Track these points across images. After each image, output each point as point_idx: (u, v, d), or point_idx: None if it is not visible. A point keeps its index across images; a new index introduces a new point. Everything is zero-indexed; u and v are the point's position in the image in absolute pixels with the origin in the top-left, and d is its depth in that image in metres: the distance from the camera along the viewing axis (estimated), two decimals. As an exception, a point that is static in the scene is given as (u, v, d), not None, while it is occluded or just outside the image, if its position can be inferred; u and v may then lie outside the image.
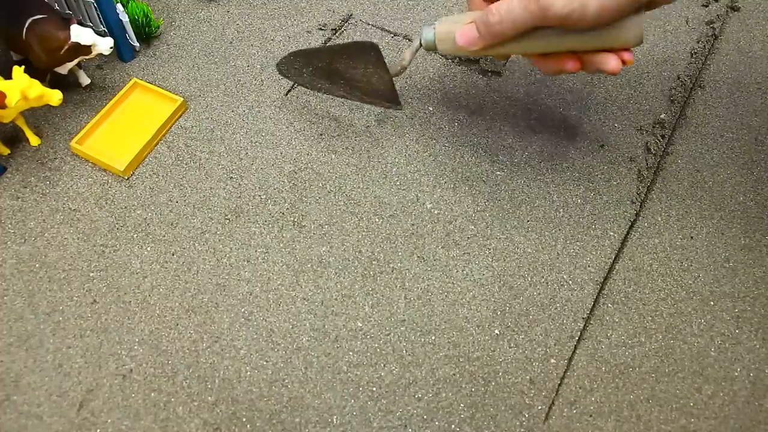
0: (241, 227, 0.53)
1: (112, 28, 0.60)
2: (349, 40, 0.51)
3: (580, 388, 0.46)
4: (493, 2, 0.44)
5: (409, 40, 0.66)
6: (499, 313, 0.49)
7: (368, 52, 0.51)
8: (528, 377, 0.46)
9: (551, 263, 0.52)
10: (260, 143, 0.58)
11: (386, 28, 0.67)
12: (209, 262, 0.52)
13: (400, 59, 0.51)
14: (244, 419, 0.45)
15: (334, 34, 0.67)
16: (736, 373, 0.47)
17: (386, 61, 0.52)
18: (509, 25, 0.40)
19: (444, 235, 0.53)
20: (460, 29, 0.44)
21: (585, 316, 0.49)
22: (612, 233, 0.53)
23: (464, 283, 0.51)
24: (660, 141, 0.59)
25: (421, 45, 0.48)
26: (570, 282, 0.51)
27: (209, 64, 0.64)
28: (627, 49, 0.41)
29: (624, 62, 0.42)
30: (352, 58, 0.53)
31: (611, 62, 0.42)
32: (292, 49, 0.65)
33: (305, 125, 0.60)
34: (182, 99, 0.60)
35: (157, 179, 0.56)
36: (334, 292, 0.50)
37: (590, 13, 0.37)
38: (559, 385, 0.46)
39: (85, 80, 0.62)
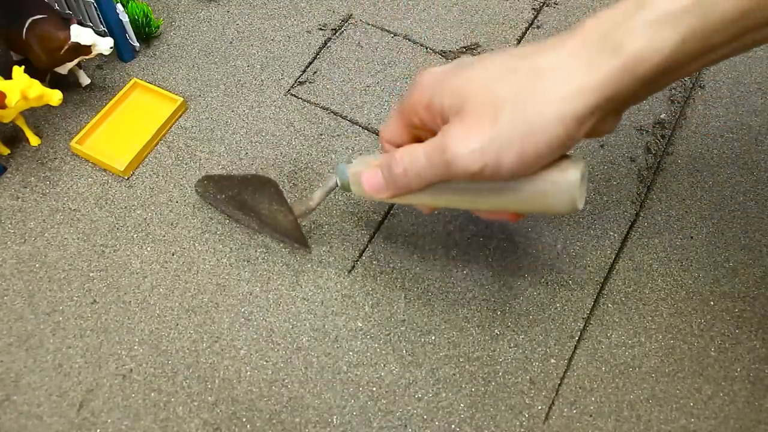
0: (241, 227, 0.53)
1: (112, 28, 0.60)
2: (250, 173, 0.49)
3: (580, 388, 0.46)
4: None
5: (410, 40, 0.66)
6: (499, 313, 0.49)
7: (268, 188, 0.47)
8: (528, 377, 0.46)
9: (551, 263, 0.52)
10: (260, 143, 0.59)
11: (386, 28, 0.67)
12: (209, 262, 0.52)
13: (308, 199, 0.46)
14: (244, 419, 0.45)
15: (334, 34, 0.67)
16: (736, 373, 0.47)
17: (294, 198, 0.49)
18: (414, 177, 0.35)
19: (444, 235, 0.53)
20: (367, 172, 0.39)
21: (585, 316, 0.49)
22: (612, 233, 0.53)
23: (464, 283, 0.51)
24: (660, 141, 0.59)
25: (337, 185, 0.44)
26: (570, 282, 0.51)
27: (209, 64, 0.64)
28: None
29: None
30: (257, 191, 0.49)
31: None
32: (293, 49, 0.65)
33: (305, 125, 0.60)
34: (182, 99, 0.60)
35: (157, 179, 0.56)
36: (334, 292, 0.50)
37: (507, 166, 0.31)
38: (559, 385, 0.46)
39: (85, 80, 0.62)
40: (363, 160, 0.41)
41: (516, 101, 0.31)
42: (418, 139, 0.40)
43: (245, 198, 0.50)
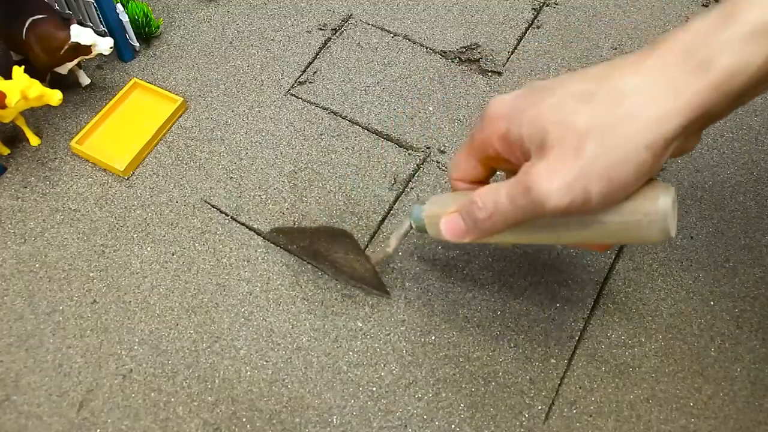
0: (241, 227, 0.53)
1: (112, 28, 0.60)
2: (321, 225, 0.48)
3: (580, 388, 0.46)
4: (480, 183, 0.38)
5: (410, 40, 0.66)
6: (499, 313, 0.49)
7: (342, 238, 0.46)
8: (528, 377, 0.46)
9: (551, 263, 0.52)
10: (260, 143, 0.59)
11: (386, 28, 0.67)
12: (209, 262, 0.52)
13: (384, 245, 0.45)
14: (244, 419, 0.45)
15: (334, 34, 0.67)
16: (736, 373, 0.47)
17: (370, 248, 0.49)
18: (499, 221, 0.34)
19: (444, 235, 0.53)
20: (445, 218, 0.37)
21: (585, 316, 0.49)
22: (612, 233, 0.53)
23: (464, 283, 0.51)
24: (660, 141, 0.58)
25: (411, 228, 0.42)
26: (570, 282, 0.51)
27: (209, 64, 0.64)
28: None
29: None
30: (330, 242, 0.48)
31: None
32: (293, 49, 0.65)
33: (305, 125, 0.60)
34: (182, 99, 0.60)
35: (157, 179, 0.56)
36: (334, 292, 0.50)
37: (595, 199, 0.30)
38: (559, 385, 0.46)
39: (85, 80, 0.62)
40: (437, 202, 0.40)
41: (600, 130, 0.30)
42: (492, 171, 0.39)
43: (318, 248, 0.49)
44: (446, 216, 0.37)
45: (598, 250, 0.36)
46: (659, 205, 0.31)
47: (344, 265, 0.49)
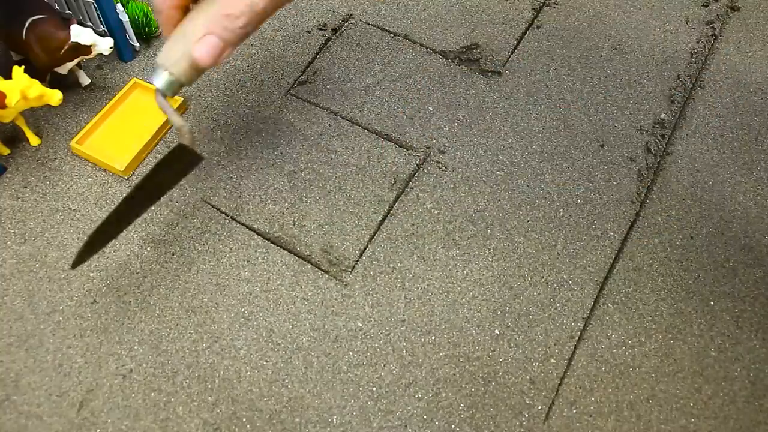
0: (241, 227, 0.53)
1: (112, 28, 0.60)
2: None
3: (580, 388, 0.46)
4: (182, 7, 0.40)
5: (410, 40, 0.66)
6: (499, 313, 0.49)
7: (183, 159, 0.45)
8: (528, 377, 0.46)
9: (551, 263, 0.52)
10: (260, 143, 0.59)
11: (386, 28, 0.67)
12: (209, 262, 0.52)
13: (178, 127, 0.44)
14: (244, 419, 0.45)
15: (334, 34, 0.67)
16: (736, 373, 0.47)
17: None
18: (254, 19, 0.38)
19: (444, 235, 0.53)
20: (197, 47, 0.39)
21: (585, 316, 0.49)
22: (612, 233, 0.53)
23: (464, 283, 0.51)
24: (660, 141, 0.59)
25: (164, 95, 0.42)
26: (570, 282, 0.51)
27: (209, 64, 0.64)
28: None
29: None
30: (145, 198, 0.48)
31: None
32: (293, 49, 0.65)
33: (305, 125, 0.60)
34: (182, 99, 0.60)
35: (157, 179, 0.56)
36: (334, 292, 0.50)
37: None
38: (559, 385, 0.46)
39: (85, 80, 0.62)
40: (169, 50, 0.40)
41: None
42: None
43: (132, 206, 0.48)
44: (196, 45, 0.38)
45: None
46: None
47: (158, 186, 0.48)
